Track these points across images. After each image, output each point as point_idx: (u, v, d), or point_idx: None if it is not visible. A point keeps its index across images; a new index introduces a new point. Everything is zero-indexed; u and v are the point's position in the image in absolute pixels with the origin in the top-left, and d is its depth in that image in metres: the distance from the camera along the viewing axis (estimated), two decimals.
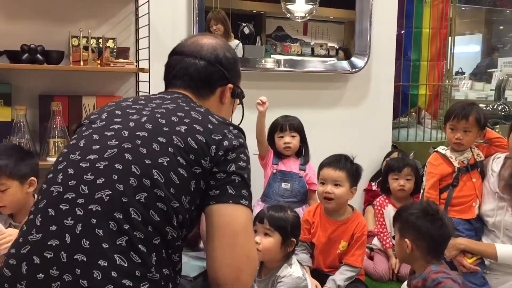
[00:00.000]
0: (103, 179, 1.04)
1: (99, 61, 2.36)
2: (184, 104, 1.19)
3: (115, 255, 0.97)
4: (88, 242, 0.97)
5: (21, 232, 1.07)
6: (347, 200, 2.31)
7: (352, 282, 2.20)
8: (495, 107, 4.28)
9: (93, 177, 1.05)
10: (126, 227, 0.99)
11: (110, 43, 2.48)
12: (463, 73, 8.65)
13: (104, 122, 1.15)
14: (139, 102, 1.21)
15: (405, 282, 2.02)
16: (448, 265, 2.15)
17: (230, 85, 1.30)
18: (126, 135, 1.10)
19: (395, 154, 3.21)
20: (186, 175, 1.07)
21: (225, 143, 1.12)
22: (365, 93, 3.28)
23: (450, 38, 3.81)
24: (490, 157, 2.34)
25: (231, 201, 1.09)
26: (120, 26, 2.57)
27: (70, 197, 1.03)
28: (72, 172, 1.07)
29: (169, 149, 1.08)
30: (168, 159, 1.07)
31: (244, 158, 1.14)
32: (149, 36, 2.41)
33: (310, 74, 3.14)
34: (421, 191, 2.46)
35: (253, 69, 3.05)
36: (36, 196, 1.18)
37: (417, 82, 3.70)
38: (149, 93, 2.34)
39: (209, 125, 1.13)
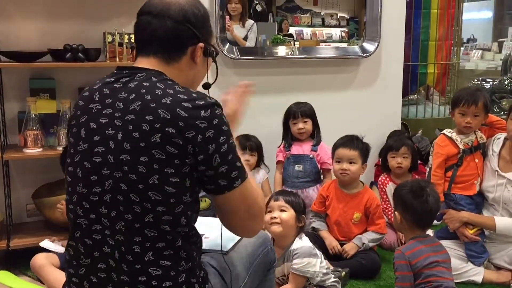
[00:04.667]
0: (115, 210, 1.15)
1: (131, 56, 2.58)
2: (149, 97, 1.14)
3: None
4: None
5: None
6: (360, 175, 2.59)
7: (366, 251, 2.45)
8: (501, 81, 4.42)
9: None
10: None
11: None
12: (475, 39, 8.64)
13: (86, 145, 1.18)
14: (106, 102, 1.19)
15: None
16: (452, 235, 2.43)
17: (201, 44, 1.26)
18: (112, 161, 1.14)
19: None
20: (179, 180, 1.13)
21: (199, 137, 1.12)
22: (376, 76, 3.44)
23: (458, 3, 3.88)
24: (491, 138, 2.50)
25: (226, 191, 1.18)
26: None
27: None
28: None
29: (153, 165, 1.11)
30: (158, 176, 1.11)
31: (222, 138, 1.14)
32: None
33: (322, 60, 3.29)
34: (428, 169, 2.66)
35: (266, 57, 3.17)
36: None
37: (425, 61, 3.87)
38: None
39: (180, 123, 1.11)
